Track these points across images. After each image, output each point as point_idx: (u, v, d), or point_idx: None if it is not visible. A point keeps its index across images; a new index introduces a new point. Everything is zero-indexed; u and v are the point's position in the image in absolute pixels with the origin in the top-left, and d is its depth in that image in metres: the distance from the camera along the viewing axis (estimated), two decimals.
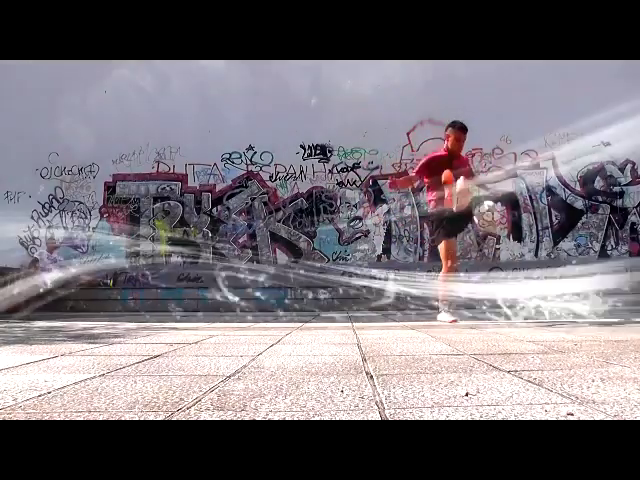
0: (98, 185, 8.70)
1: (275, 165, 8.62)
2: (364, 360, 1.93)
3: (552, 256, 8.26)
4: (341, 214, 8.51)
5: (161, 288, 8.11)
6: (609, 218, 8.28)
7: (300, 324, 4.23)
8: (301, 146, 8.61)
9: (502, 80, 8.29)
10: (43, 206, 8.69)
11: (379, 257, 8.41)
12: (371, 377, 1.54)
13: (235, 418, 1.08)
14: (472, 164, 8.35)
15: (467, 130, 4.38)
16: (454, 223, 4.24)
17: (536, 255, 8.29)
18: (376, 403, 1.19)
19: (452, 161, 4.33)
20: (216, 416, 1.10)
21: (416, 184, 4.59)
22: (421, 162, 4.44)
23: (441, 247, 4.26)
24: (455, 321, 4.01)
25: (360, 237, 8.46)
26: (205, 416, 1.10)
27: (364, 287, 7.58)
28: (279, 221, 8.55)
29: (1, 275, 6.88)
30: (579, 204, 8.34)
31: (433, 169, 4.27)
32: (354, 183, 8.56)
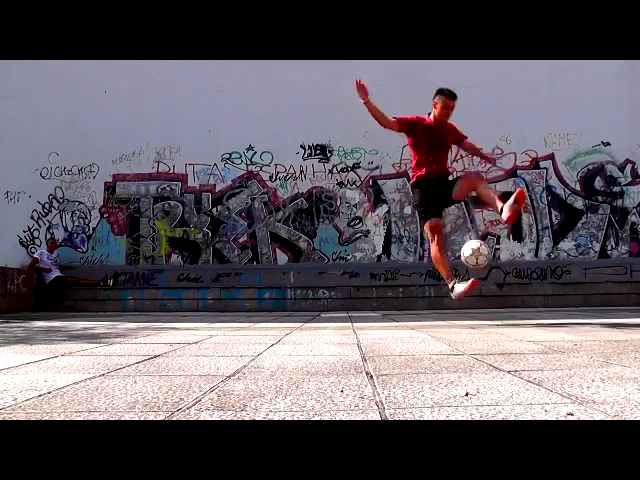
0: (98, 185, 8.70)
1: (275, 165, 8.62)
2: (364, 360, 1.93)
3: (552, 256, 8.26)
4: (341, 214, 8.51)
5: (161, 288, 8.10)
6: (609, 218, 8.28)
7: (300, 324, 4.23)
8: (301, 146, 8.61)
9: (502, 80, 8.30)
10: (43, 206, 8.69)
11: (379, 257, 8.41)
12: (371, 377, 1.54)
13: (235, 418, 1.08)
14: (472, 164, 8.38)
15: (456, 97, 4.08)
16: (432, 202, 4.06)
17: (536, 255, 8.29)
18: (376, 403, 1.19)
19: (438, 131, 4.11)
20: (216, 416, 1.10)
21: (383, 126, 4.17)
22: (407, 118, 4.14)
23: (425, 229, 4.19)
24: (476, 281, 3.83)
25: (360, 237, 8.46)
26: (205, 416, 1.10)
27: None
28: (279, 221, 8.55)
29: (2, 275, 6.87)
30: (579, 204, 8.35)
31: (416, 132, 4.09)
32: (354, 183, 8.56)
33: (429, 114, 4.17)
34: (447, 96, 4.04)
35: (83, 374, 1.66)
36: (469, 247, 3.92)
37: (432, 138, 4.09)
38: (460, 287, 3.90)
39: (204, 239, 8.52)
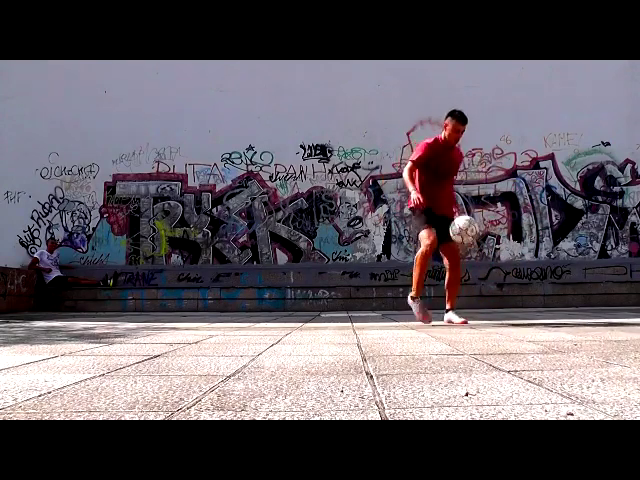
0: (98, 185, 8.70)
1: (275, 165, 8.62)
2: (364, 360, 1.93)
3: (552, 256, 8.26)
4: (341, 214, 8.51)
5: (161, 288, 8.10)
6: (609, 218, 8.28)
7: (300, 324, 4.23)
8: (301, 146, 8.61)
9: (502, 80, 8.29)
10: (43, 206, 8.69)
11: (379, 257, 8.41)
12: (371, 377, 1.54)
13: (235, 418, 1.08)
14: (472, 164, 8.39)
15: (467, 121, 4.03)
16: (433, 222, 3.94)
17: (536, 255, 8.29)
18: (376, 403, 1.19)
19: (447, 152, 4.06)
20: (216, 416, 1.10)
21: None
22: (423, 150, 4.02)
23: (421, 234, 3.99)
24: (428, 320, 3.85)
25: (360, 237, 8.46)
26: (205, 416, 1.10)
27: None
28: (279, 221, 8.55)
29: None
30: (579, 204, 8.35)
31: (430, 159, 3.98)
32: (354, 183, 8.57)
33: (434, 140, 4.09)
34: (458, 119, 3.97)
35: (83, 374, 1.66)
36: (457, 225, 3.85)
37: (442, 161, 4.01)
38: (416, 307, 3.91)
39: (204, 239, 8.52)
